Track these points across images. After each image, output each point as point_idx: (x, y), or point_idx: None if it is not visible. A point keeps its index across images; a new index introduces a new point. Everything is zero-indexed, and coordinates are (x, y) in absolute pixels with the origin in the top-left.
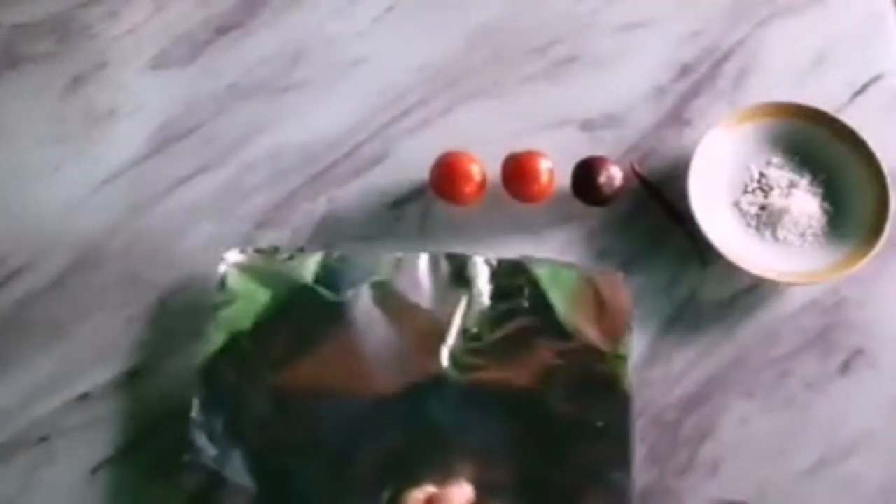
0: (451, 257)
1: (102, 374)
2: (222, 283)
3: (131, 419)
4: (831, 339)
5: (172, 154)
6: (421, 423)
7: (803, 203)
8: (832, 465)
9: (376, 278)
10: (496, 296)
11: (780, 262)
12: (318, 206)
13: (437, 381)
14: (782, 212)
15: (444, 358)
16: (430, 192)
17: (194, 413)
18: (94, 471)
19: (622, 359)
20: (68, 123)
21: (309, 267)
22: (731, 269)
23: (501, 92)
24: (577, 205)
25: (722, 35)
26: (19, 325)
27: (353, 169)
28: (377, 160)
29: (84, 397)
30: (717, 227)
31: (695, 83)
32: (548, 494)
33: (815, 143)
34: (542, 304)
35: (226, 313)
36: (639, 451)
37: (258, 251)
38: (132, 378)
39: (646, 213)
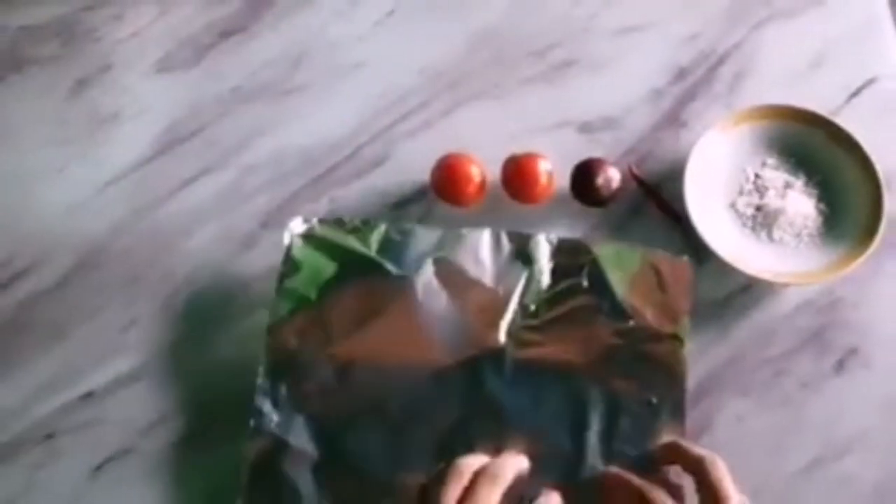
0: (512, 235)
1: (105, 374)
2: (287, 253)
3: (132, 421)
4: (826, 339)
5: (176, 156)
6: (477, 396)
7: (799, 204)
8: (827, 465)
9: (439, 253)
10: (556, 274)
11: (776, 262)
12: (321, 208)
13: (495, 356)
14: (778, 213)
15: (502, 333)
16: (431, 193)
17: (260, 379)
18: (97, 470)
19: (679, 340)
20: (72, 126)
21: (373, 240)
22: (727, 269)
23: (501, 94)
24: (576, 206)
25: (718, 38)
26: (23, 326)
27: (355, 171)
28: (378, 162)
29: (87, 397)
30: (713, 228)
31: (691, 86)
32: (599, 468)
33: (810, 144)
34: (601, 284)
35: (290, 282)
36: None
37: (322, 222)
38: (134, 378)
39: (643, 215)
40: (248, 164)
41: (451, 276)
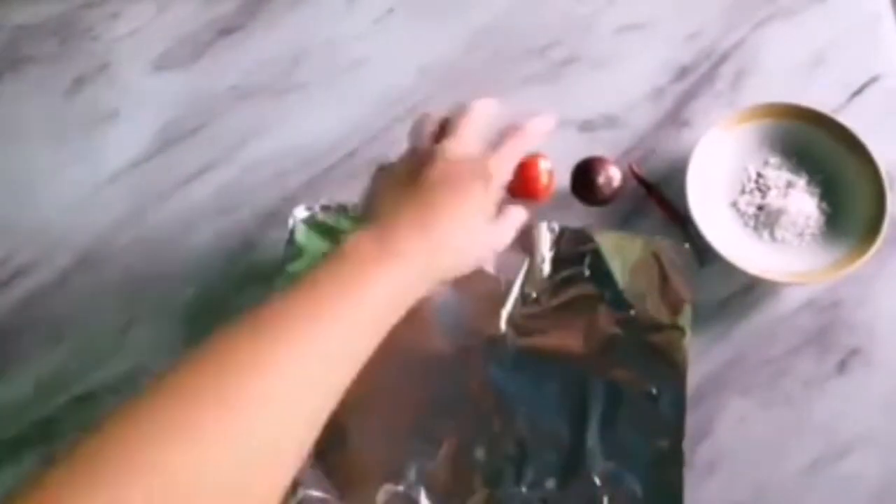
0: None
1: (106, 372)
2: (290, 238)
3: None
4: (828, 339)
5: (174, 155)
6: (480, 383)
7: (801, 203)
8: (829, 464)
9: None
10: (557, 262)
11: (778, 261)
12: None
13: (495, 344)
14: (780, 212)
15: (503, 321)
16: None
17: None
18: None
19: (681, 330)
20: (71, 124)
21: None
22: (729, 268)
23: (501, 93)
24: (577, 205)
25: (720, 37)
26: (23, 324)
27: (354, 170)
28: (378, 162)
29: (87, 397)
30: (715, 228)
31: (693, 84)
32: (598, 458)
33: (812, 143)
34: (602, 273)
35: (294, 267)
36: None
37: (325, 208)
38: (134, 378)
39: (644, 214)
40: (246, 163)
41: None
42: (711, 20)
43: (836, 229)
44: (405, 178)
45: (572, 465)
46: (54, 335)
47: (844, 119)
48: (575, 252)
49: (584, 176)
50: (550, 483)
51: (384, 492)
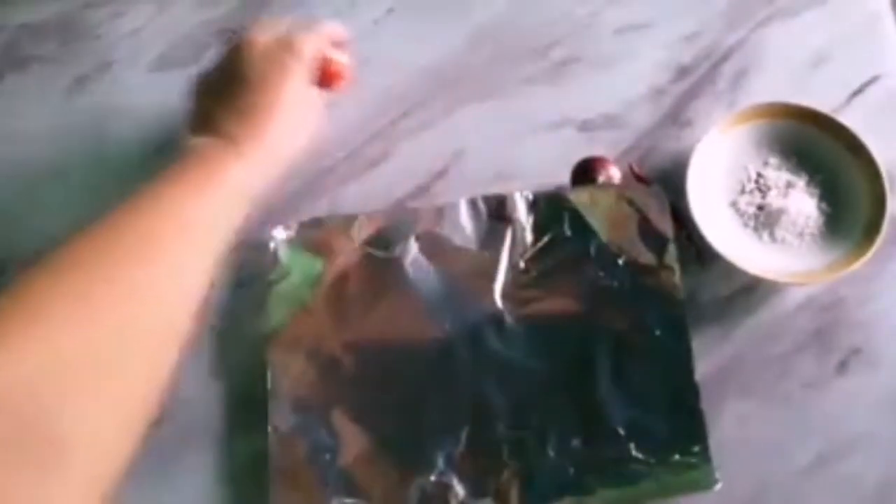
0: (488, 198)
1: None
2: (275, 259)
3: None
4: (829, 339)
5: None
6: (485, 361)
7: (801, 203)
8: (830, 464)
9: (421, 230)
10: (538, 228)
11: (778, 261)
12: (320, 208)
13: (494, 319)
14: (780, 212)
15: (498, 296)
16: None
17: (269, 384)
18: None
19: (670, 269)
20: (72, 124)
21: (354, 231)
22: (729, 268)
23: (502, 93)
24: None
25: (720, 36)
26: None
27: (355, 170)
28: (378, 161)
29: None
30: (715, 228)
31: (693, 84)
32: (616, 408)
33: (812, 143)
34: (584, 229)
35: (282, 287)
36: None
37: (303, 224)
38: None
39: None
40: None
41: (436, 248)
42: (712, 20)
43: (836, 229)
44: (220, 77)
45: (594, 422)
46: None
47: (845, 119)
48: (553, 215)
49: (584, 175)
50: (576, 443)
51: (416, 486)
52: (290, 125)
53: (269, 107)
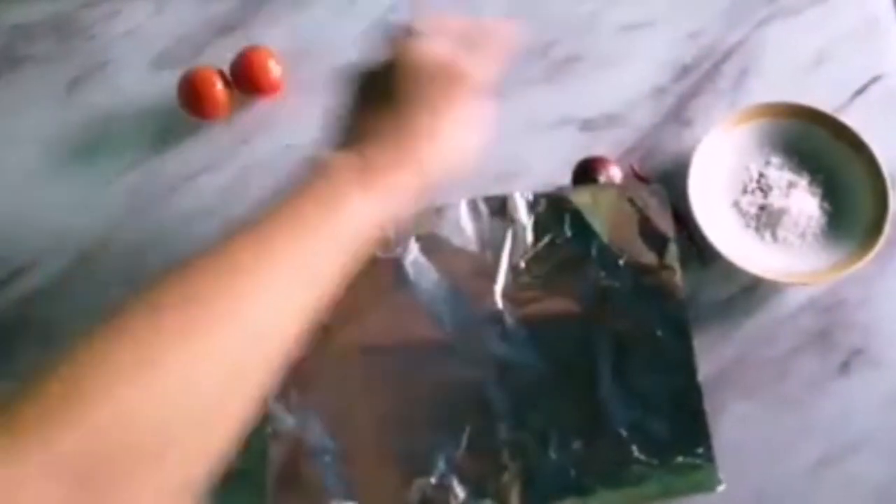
0: (489, 199)
1: None
2: None
3: None
4: (831, 339)
5: (174, 155)
6: (486, 362)
7: (803, 203)
8: (832, 465)
9: (421, 230)
10: (538, 229)
11: (780, 261)
12: None
13: (495, 320)
14: (782, 212)
15: (498, 296)
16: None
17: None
18: None
19: (670, 269)
20: (69, 124)
21: None
22: (731, 268)
23: (501, 92)
24: None
25: (722, 35)
26: (22, 325)
27: None
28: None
29: None
30: (716, 228)
31: (695, 83)
32: (618, 409)
33: (814, 143)
34: (585, 230)
35: None
36: None
37: None
38: None
39: None
40: (246, 163)
41: (437, 249)
42: (713, 19)
43: (838, 229)
44: (383, 84)
45: (595, 423)
46: (53, 335)
47: (847, 118)
48: (554, 215)
49: (586, 175)
50: (577, 444)
51: (417, 488)
52: (443, 157)
53: (426, 138)
